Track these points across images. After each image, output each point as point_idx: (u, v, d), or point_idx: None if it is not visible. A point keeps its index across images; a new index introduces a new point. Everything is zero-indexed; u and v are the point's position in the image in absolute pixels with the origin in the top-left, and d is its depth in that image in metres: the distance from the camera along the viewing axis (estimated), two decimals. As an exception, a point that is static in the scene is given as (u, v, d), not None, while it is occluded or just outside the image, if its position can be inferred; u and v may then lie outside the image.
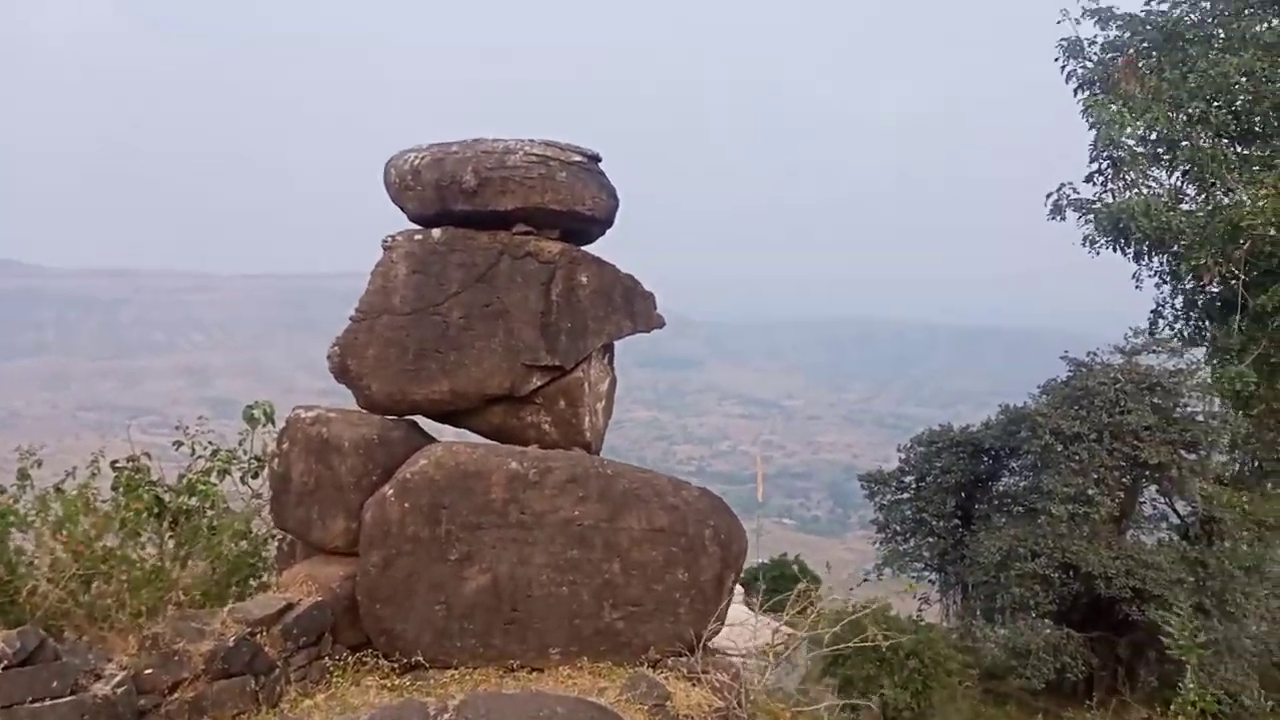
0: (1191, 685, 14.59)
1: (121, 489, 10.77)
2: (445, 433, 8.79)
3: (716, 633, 7.80)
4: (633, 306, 8.85)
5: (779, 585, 38.52)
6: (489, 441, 8.28)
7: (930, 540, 30.91)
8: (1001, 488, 31.28)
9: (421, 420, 8.88)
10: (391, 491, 7.44)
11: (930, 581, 32.16)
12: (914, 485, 31.85)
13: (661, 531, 7.62)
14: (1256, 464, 16.35)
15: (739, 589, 31.68)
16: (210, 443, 11.19)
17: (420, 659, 7.25)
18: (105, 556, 8.66)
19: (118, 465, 11.04)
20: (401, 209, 8.64)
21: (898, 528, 31.56)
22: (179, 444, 11.42)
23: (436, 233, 8.36)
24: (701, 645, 7.57)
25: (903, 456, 32.26)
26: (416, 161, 8.31)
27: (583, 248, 8.63)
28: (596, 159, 8.46)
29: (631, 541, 7.58)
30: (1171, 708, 14.41)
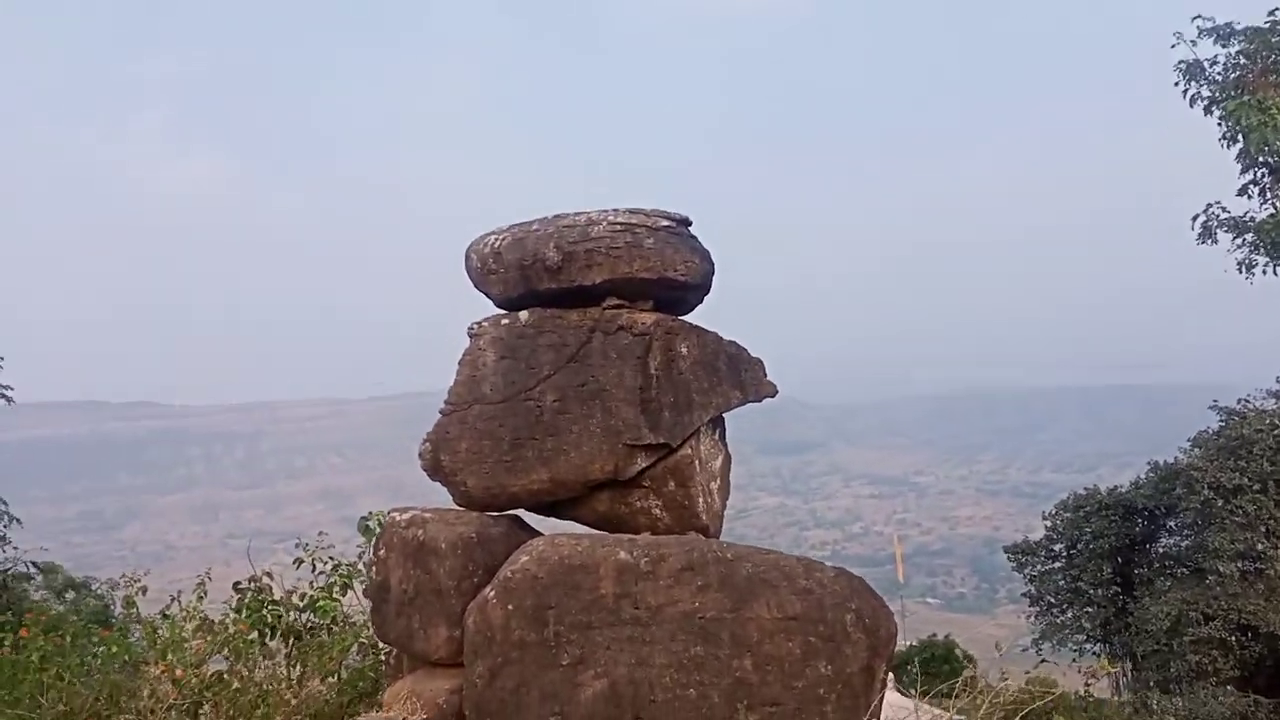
0: None
1: (244, 610, 10.63)
2: (553, 527, 8.25)
3: None
4: (740, 375, 8.24)
5: (930, 667, 36.70)
6: (596, 532, 7.67)
7: (1089, 610, 28.95)
8: (1161, 549, 29.24)
9: (526, 515, 8.39)
10: (493, 594, 6.87)
11: (1095, 654, 29.96)
12: (1065, 553, 30.05)
13: (795, 620, 6.79)
14: None
15: (889, 675, 30.12)
16: (331, 558, 10.97)
17: (536, 777, 6.54)
18: (211, 683, 8.34)
19: (239, 586, 10.90)
20: (486, 294, 8.29)
21: (1052, 599, 29.71)
22: (299, 561, 11.24)
23: (524, 315, 7.95)
24: None
25: (1049, 524, 30.58)
26: (497, 244, 7.98)
27: (680, 318, 8.10)
28: (686, 222, 7.99)
29: (762, 633, 6.76)
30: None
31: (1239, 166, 10.16)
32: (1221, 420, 26.66)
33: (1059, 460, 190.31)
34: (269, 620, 10.35)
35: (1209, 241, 10.45)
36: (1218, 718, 22.65)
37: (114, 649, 8.79)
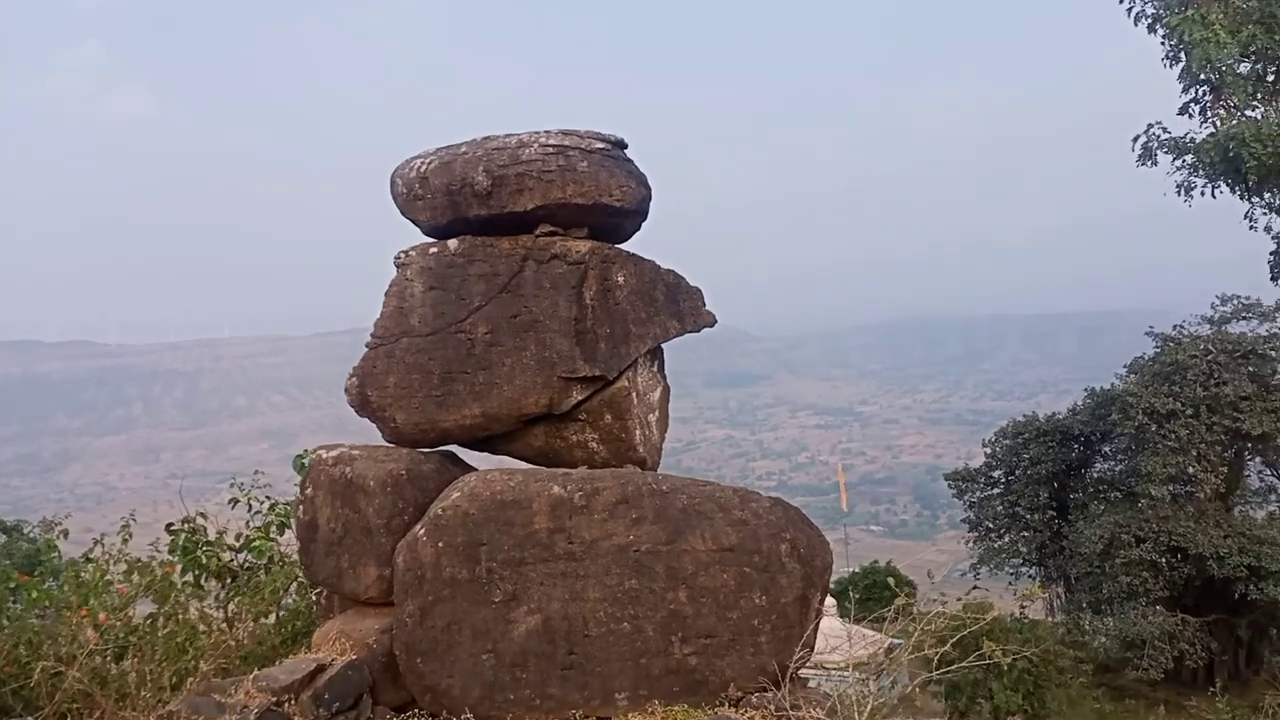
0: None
1: (178, 552, 10.35)
2: (489, 463, 8.04)
3: (805, 661, 6.82)
4: (678, 305, 8.02)
5: (871, 594, 37.37)
6: (529, 466, 7.47)
7: (1026, 534, 29.72)
8: (1096, 474, 30.00)
9: (462, 452, 8.17)
10: (423, 531, 6.65)
11: (1031, 578, 30.77)
12: (1003, 480, 30.72)
13: (731, 551, 6.69)
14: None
15: (829, 601, 30.62)
16: (267, 497, 10.68)
17: (470, 716, 6.40)
18: (137, 627, 8.10)
19: (172, 528, 10.61)
20: (413, 222, 7.93)
21: (990, 524, 30.41)
22: (235, 501, 10.93)
23: (453, 243, 7.61)
24: (789, 677, 6.60)
25: (989, 451, 31.19)
26: (423, 168, 7.60)
27: (617, 245, 7.83)
28: (622, 145, 7.68)
29: (697, 565, 6.66)
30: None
31: (1180, 85, 9.98)
32: (1157, 346, 27.15)
33: (1001, 388, 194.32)
34: (203, 562, 10.13)
35: (1149, 163, 10.30)
36: (1147, 636, 23.47)
37: (34, 595, 8.47)
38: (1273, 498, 27.98)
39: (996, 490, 31.00)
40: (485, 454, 7.98)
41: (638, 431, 7.62)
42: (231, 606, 9.55)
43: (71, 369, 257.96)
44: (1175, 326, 27.63)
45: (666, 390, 8.48)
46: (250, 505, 10.68)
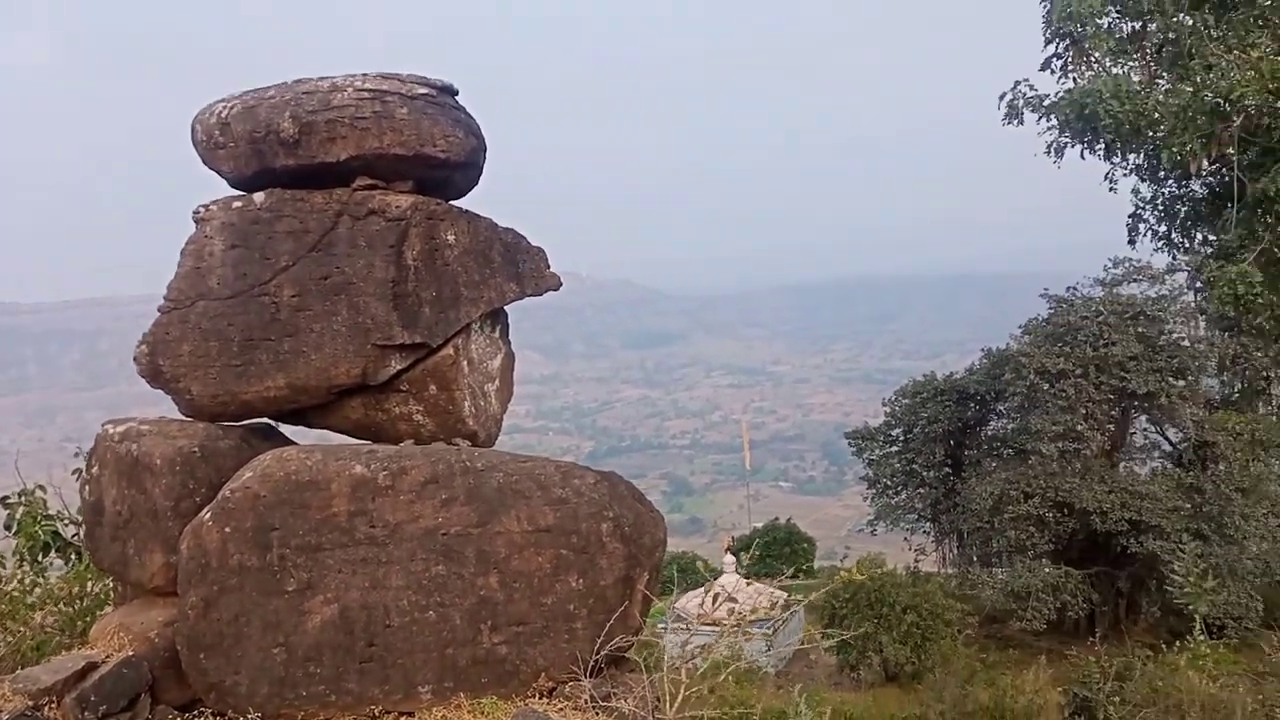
0: (1201, 638, 13.49)
1: (13, 526, 9.74)
2: (312, 438, 7.40)
3: (629, 646, 6.41)
4: (517, 266, 7.48)
5: (771, 550, 37.54)
6: (333, 444, 6.85)
7: (922, 491, 30.14)
8: (990, 432, 30.51)
9: (284, 428, 7.52)
10: (209, 515, 6.01)
11: (925, 532, 31.35)
12: (902, 437, 31.03)
13: (547, 532, 6.22)
14: (1247, 384, 15.14)
15: (729, 557, 30.52)
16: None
17: (259, 715, 5.83)
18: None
19: (8, 501, 9.95)
20: (217, 173, 7.19)
21: (888, 481, 30.76)
22: (77, 472, 10.21)
23: (259, 197, 6.91)
24: (608, 663, 6.18)
25: (888, 410, 31.48)
26: (225, 113, 6.86)
27: (448, 202, 7.21)
28: (450, 91, 7.04)
29: (511, 548, 6.18)
30: (1182, 663, 13.32)
31: (1043, 36, 9.64)
32: (1051, 308, 27.57)
33: (907, 348, 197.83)
34: (40, 537, 9.50)
35: (1016, 122, 9.97)
36: (1032, 588, 23.97)
37: None
38: (1156, 454, 28.75)
39: (895, 448, 31.34)
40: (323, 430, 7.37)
41: (468, 403, 7.08)
42: (40, 591, 8.84)
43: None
44: (1068, 289, 28.07)
45: (510, 357, 7.96)
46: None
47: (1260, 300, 9.08)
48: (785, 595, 25.91)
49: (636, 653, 6.94)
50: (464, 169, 7.22)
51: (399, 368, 6.82)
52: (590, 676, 6.00)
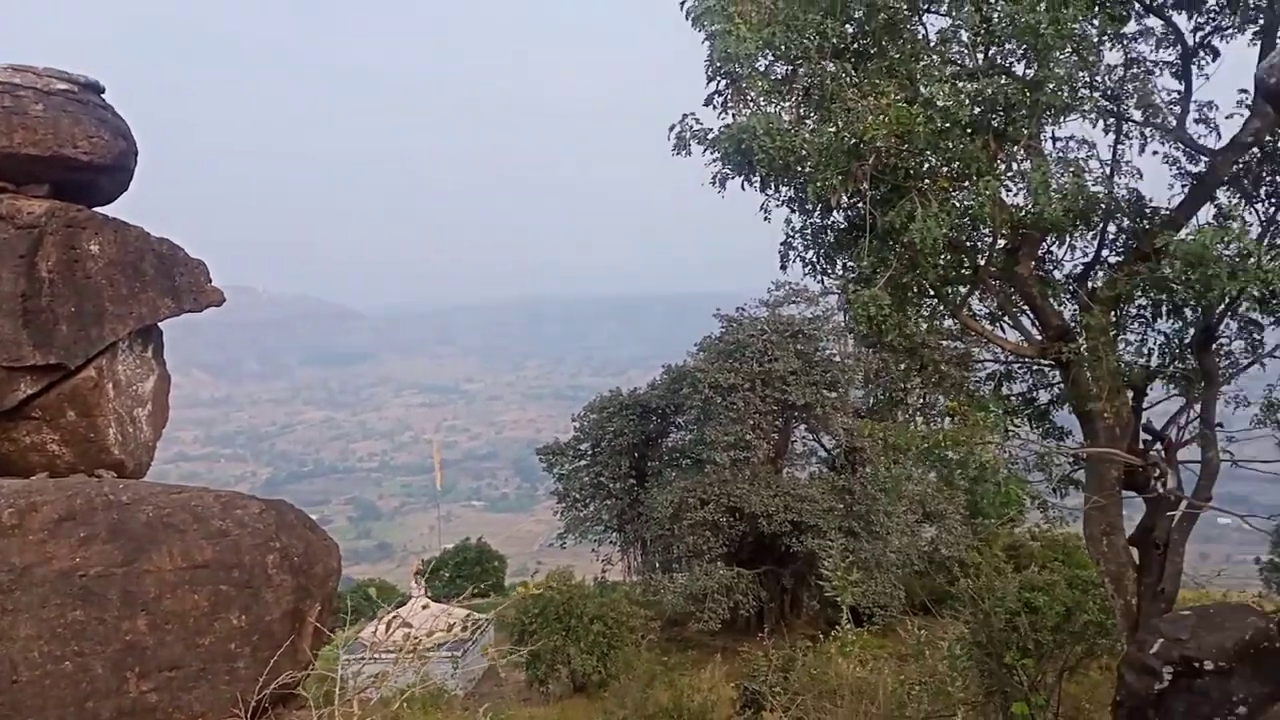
0: (849, 626, 15.07)
1: None
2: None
3: (298, 682, 6.20)
4: (173, 280, 7.09)
5: (463, 570, 37.42)
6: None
7: (609, 502, 31.32)
8: (671, 443, 32.35)
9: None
10: None
11: (612, 542, 32.59)
12: (590, 451, 32.12)
13: (204, 568, 5.91)
14: (887, 395, 17.22)
15: (417, 582, 30.00)
16: None
17: None
18: None
19: None
20: None
21: (577, 495, 31.71)
22: None
23: None
24: (275, 702, 5.95)
25: (577, 425, 32.51)
26: None
27: (92, 209, 6.70)
28: (96, 88, 6.61)
29: (162, 587, 5.80)
30: (831, 650, 14.80)
31: (706, 74, 10.56)
32: (723, 327, 29.84)
33: (597, 365, 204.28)
34: None
35: (684, 153, 10.79)
36: (708, 590, 25.69)
37: None
38: (814, 460, 31.67)
39: (584, 462, 32.31)
40: None
41: (113, 430, 6.58)
42: None
43: None
44: (737, 309, 30.35)
45: (165, 379, 7.46)
46: None
47: (890, 321, 10.42)
48: (473, 615, 25.99)
49: (309, 687, 6.73)
50: (111, 173, 6.79)
51: (30, 392, 6.25)
52: (254, 717, 5.76)
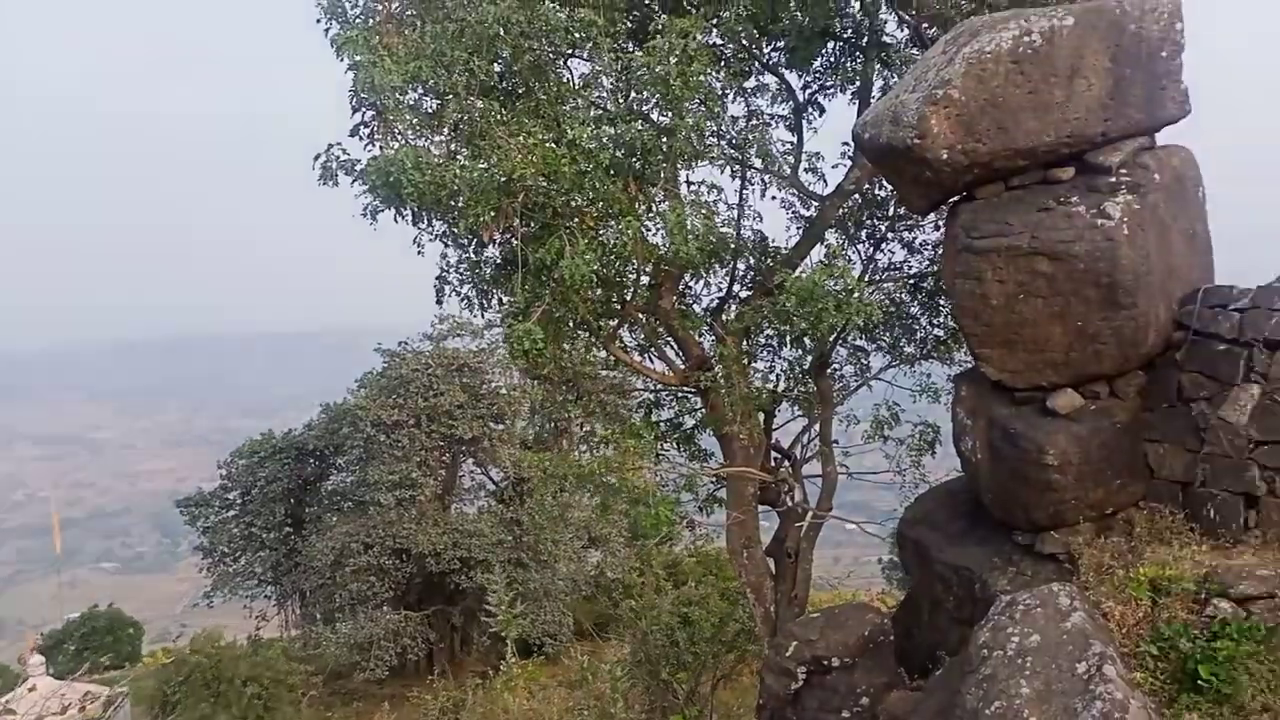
0: (513, 660, 15.18)
1: None
2: None
3: None
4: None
5: (91, 641, 33.64)
6: None
7: (263, 554, 29.44)
8: (331, 486, 30.95)
9: None
10: None
11: (267, 596, 30.58)
12: (240, 500, 30.03)
13: None
14: (552, 425, 17.67)
15: (37, 659, 26.70)
16: None
17: None
18: None
19: None
20: None
21: (226, 548, 29.53)
22: None
23: None
24: None
25: (224, 472, 30.28)
26: None
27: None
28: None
29: None
30: (498, 685, 14.87)
31: (350, 104, 10.36)
32: (385, 361, 29.05)
33: (248, 406, 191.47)
34: None
35: (331, 184, 10.51)
36: (374, 637, 24.79)
37: None
38: (483, 494, 31.66)
39: (232, 512, 30.26)
40: None
41: None
42: None
43: None
44: (400, 343, 29.77)
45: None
46: None
47: (545, 354, 10.72)
48: (92, 692, 23.43)
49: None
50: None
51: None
52: None
